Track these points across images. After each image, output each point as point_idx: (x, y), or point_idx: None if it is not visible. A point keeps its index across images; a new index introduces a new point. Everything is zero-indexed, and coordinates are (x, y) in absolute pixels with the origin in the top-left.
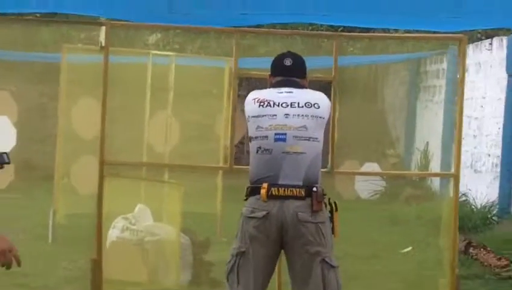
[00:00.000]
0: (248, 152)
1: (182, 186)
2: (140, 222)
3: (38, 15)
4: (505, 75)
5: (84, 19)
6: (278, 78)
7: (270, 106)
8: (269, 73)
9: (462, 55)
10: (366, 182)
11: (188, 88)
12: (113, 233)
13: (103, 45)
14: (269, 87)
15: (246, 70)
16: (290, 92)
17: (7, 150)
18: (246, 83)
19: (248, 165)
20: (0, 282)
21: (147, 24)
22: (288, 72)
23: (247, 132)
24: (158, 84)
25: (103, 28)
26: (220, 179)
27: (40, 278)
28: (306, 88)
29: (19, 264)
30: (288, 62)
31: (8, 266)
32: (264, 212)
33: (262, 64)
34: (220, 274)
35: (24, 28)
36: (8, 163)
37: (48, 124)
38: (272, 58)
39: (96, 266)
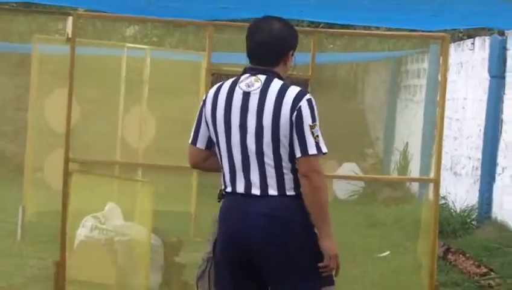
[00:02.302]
0: None
1: (153, 184)
2: (110, 221)
3: (14, 4)
4: (487, 76)
5: (63, 9)
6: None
7: None
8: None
9: (444, 54)
10: (343, 183)
11: (164, 82)
12: (82, 232)
13: (69, 36)
14: None
15: (220, 65)
16: None
17: None
18: (226, 79)
19: None
20: None
21: (115, 15)
22: None
23: None
24: (133, 78)
25: (70, 18)
26: (195, 177)
27: (6, 277)
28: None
29: (336, 272)
30: None
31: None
32: None
33: (242, 60)
34: (192, 277)
35: None
36: None
37: (22, 116)
38: None
39: (60, 268)
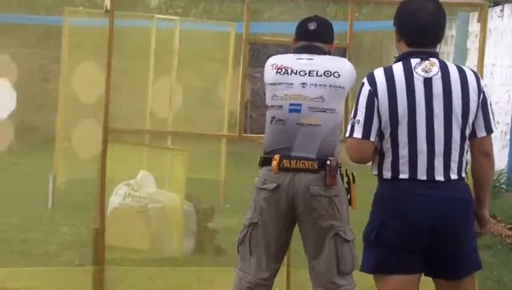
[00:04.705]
0: (251, 117)
1: (186, 152)
2: (143, 189)
3: None
4: None
5: None
6: (301, 43)
7: (287, 73)
8: (293, 37)
9: (483, 22)
10: None
11: (192, 53)
12: (115, 200)
13: (108, 8)
14: (292, 52)
15: (253, 35)
16: (310, 59)
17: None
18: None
19: (251, 131)
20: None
21: None
22: (312, 36)
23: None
24: (162, 49)
25: None
26: (224, 145)
27: (40, 244)
28: (330, 54)
29: None
30: (312, 26)
31: None
32: (275, 185)
33: (267, 29)
34: (224, 242)
35: None
36: None
37: (49, 88)
38: (276, 23)
39: (99, 235)
